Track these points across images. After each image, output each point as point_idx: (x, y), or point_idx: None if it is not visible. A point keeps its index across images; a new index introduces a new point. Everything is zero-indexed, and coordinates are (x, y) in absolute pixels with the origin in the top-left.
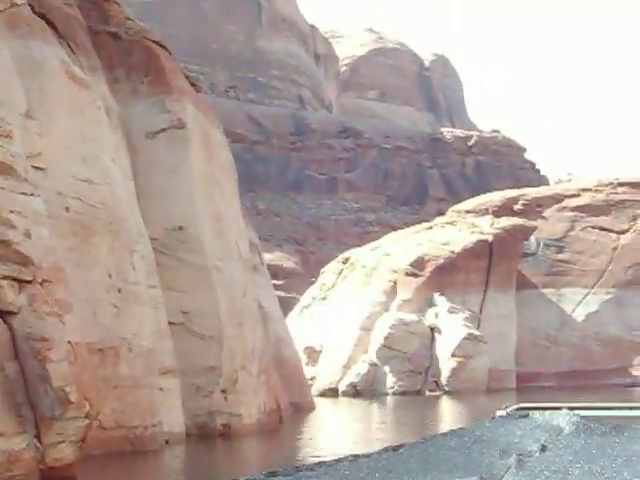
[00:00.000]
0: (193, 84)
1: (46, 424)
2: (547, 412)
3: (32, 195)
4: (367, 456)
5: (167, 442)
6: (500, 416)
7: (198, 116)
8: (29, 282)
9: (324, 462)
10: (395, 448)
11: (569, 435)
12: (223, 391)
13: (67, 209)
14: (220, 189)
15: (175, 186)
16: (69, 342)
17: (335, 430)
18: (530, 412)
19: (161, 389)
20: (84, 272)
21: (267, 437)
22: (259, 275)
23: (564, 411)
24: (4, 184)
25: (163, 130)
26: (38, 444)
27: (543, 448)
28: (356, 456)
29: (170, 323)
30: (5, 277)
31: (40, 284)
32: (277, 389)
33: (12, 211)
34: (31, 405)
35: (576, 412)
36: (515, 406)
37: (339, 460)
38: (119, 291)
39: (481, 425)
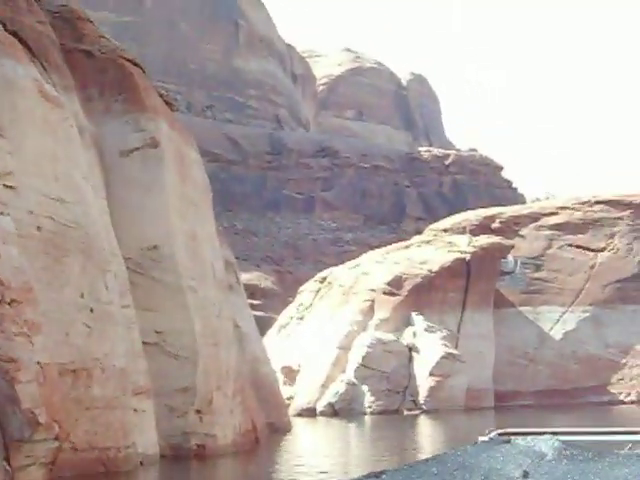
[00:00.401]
0: (168, 103)
1: (15, 446)
2: (529, 437)
3: (1, 214)
4: None
5: (141, 463)
6: (482, 441)
7: (172, 135)
8: None
9: None
10: (377, 475)
11: (551, 461)
12: (198, 412)
13: (39, 228)
14: (195, 208)
15: (149, 205)
16: (38, 363)
17: (312, 451)
18: (512, 437)
19: (135, 410)
20: (56, 292)
21: (243, 458)
22: (235, 295)
23: (546, 436)
24: None
25: (137, 149)
26: (7, 467)
27: (525, 474)
28: None
29: (144, 343)
30: None
31: (9, 304)
32: (253, 409)
33: None
34: (0, 427)
35: (558, 437)
36: (497, 431)
37: None
38: (92, 311)
39: (463, 451)
